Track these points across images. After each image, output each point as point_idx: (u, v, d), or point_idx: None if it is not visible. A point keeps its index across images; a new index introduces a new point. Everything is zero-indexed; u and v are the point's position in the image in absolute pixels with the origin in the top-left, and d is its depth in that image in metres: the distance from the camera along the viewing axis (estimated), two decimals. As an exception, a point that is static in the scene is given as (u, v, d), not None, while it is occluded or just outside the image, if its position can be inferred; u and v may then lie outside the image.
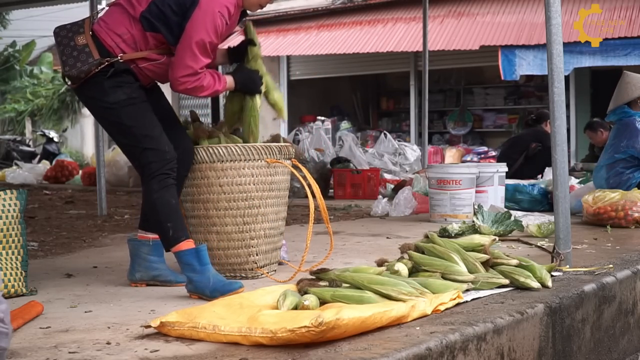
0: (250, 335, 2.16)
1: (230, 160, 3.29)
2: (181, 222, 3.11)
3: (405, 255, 3.01)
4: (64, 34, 3.15)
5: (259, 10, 3.40)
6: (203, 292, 2.93)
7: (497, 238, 3.25)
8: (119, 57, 3.09)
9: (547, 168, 7.45)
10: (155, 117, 3.17)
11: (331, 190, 8.33)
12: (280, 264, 3.58)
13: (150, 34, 3.13)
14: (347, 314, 2.17)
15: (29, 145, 18.05)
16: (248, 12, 3.38)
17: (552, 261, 3.31)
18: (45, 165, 12.79)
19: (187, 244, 3.04)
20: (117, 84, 3.09)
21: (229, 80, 3.33)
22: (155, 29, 3.12)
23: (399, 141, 10.90)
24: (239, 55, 3.46)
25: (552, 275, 3.03)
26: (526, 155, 8.83)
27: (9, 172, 12.16)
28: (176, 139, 3.23)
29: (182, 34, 3.08)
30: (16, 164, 13.20)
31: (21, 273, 3.00)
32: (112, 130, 3.22)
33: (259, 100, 3.45)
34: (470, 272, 2.88)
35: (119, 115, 3.11)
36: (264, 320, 2.20)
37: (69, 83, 3.14)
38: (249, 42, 3.44)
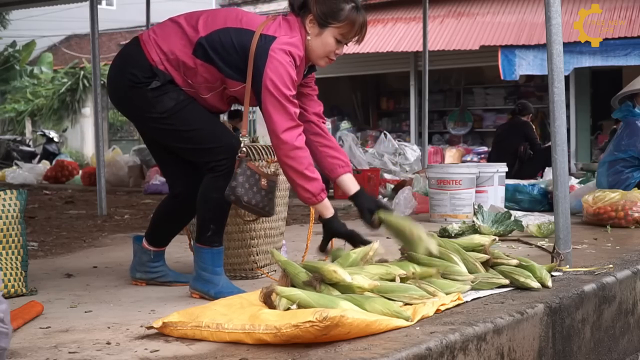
0: (254, 333, 2.15)
1: (231, 160, 3.28)
2: (222, 228, 3.03)
3: (406, 255, 3.01)
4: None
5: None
6: (208, 292, 2.92)
7: (497, 238, 3.24)
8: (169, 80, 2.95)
9: (547, 168, 7.45)
10: (207, 111, 3.03)
11: (331, 190, 8.32)
12: (280, 264, 3.58)
13: (199, 62, 2.93)
14: (352, 314, 2.17)
15: (29, 145, 18.07)
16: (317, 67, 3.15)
17: (552, 261, 3.30)
18: (45, 165, 12.81)
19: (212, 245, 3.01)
20: (161, 92, 2.94)
21: (328, 205, 2.97)
22: (208, 60, 2.92)
23: (399, 141, 10.91)
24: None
25: (552, 275, 3.03)
26: (520, 160, 8.89)
27: (9, 172, 12.17)
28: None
29: (262, 94, 2.85)
30: (16, 164, 13.21)
31: (21, 273, 3.00)
32: (170, 139, 3.03)
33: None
34: (470, 272, 2.87)
35: (173, 123, 2.96)
36: (265, 318, 2.20)
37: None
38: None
